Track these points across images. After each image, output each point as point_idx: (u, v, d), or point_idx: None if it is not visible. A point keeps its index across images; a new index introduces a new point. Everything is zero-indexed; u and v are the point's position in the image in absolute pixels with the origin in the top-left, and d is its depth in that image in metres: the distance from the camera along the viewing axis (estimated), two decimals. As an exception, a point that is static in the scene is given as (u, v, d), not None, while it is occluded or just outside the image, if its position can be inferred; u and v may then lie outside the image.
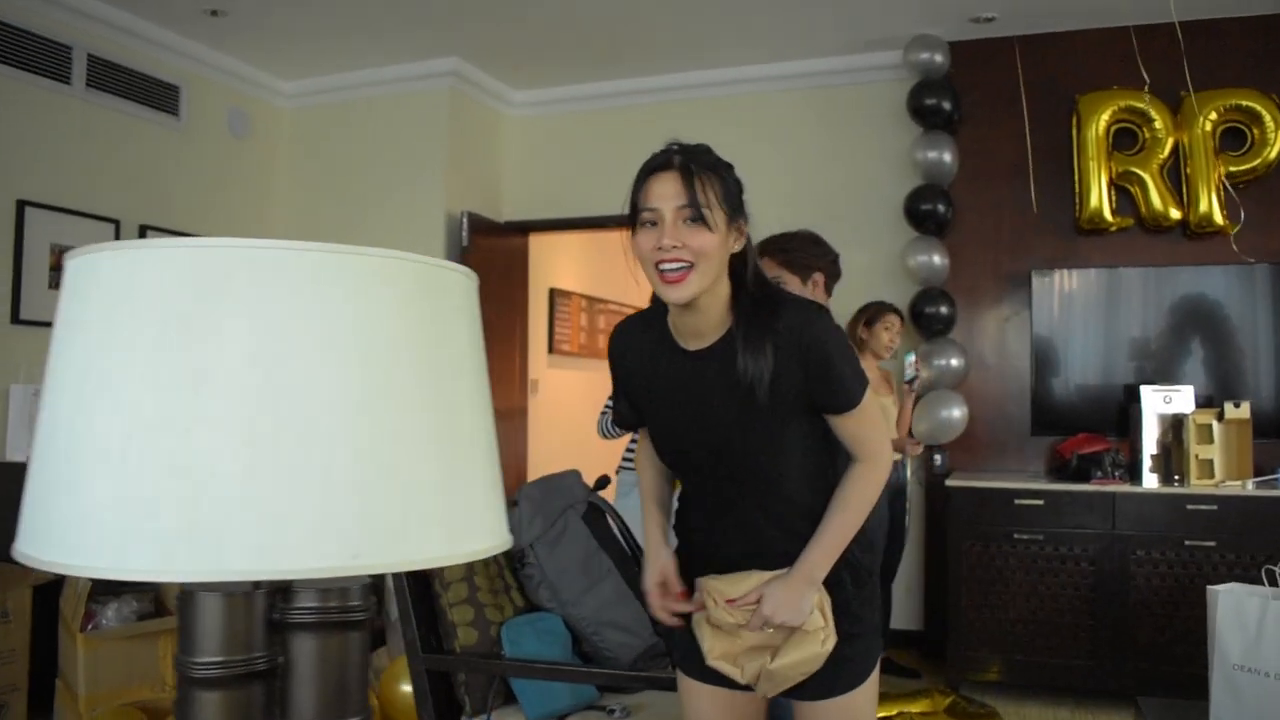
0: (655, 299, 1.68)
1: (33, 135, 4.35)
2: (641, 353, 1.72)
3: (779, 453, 1.64)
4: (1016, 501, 4.16)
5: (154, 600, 3.53)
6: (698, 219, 1.54)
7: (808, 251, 2.44)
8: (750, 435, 1.62)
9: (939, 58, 4.72)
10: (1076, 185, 4.60)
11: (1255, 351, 4.45)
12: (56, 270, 4.35)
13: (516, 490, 2.56)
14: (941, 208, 4.72)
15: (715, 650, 1.65)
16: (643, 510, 1.85)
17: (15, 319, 4.27)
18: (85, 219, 4.56)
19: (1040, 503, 4.13)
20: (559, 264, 6.66)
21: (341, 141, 5.62)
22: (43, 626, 3.49)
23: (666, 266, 1.54)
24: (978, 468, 4.72)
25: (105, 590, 3.36)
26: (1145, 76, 4.32)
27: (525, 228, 5.83)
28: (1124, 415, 4.44)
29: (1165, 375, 4.48)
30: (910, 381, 4.34)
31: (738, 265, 1.62)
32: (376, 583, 3.82)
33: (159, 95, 4.93)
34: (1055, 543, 4.10)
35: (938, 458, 4.72)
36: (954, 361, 4.62)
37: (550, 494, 2.53)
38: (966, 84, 4.79)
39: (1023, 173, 4.71)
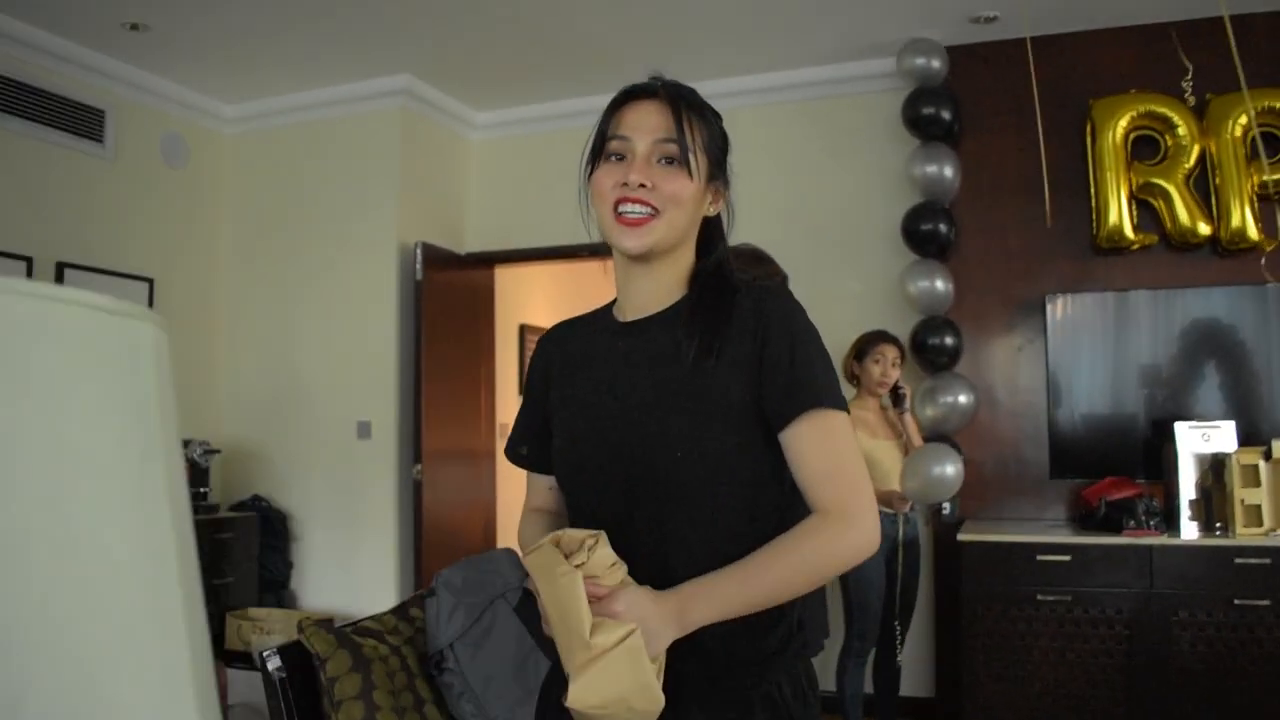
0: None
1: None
2: (570, 353, 1.40)
3: (703, 462, 1.20)
4: (1039, 557, 3.66)
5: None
6: (677, 160, 1.24)
7: (750, 269, 2.00)
8: (673, 423, 1.22)
9: (936, 63, 4.29)
10: (1093, 200, 4.15)
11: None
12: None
13: (434, 577, 2.07)
14: (943, 228, 4.26)
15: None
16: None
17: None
18: (-10, 256, 4.10)
19: (1066, 558, 3.63)
20: (530, 298, 6.19)
21: (287, 169, 5.16)
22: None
23: (627, 209, 1.23)
24: (991, 515, 4.23)
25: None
26: (1187, 64, 3.87)
27: (490, 259, 5.37)
28: (1152, 455, 3.95)
29: (1199, 411, 3.99)
30: (898, 403, 3.85)
31: (706, 238, 1.33)
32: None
33: (80, 120, 4.47)
34: (1085, 604, 3.60)
35: (946, 505, 4.22)
36: (961, 398, 4.14)
37: (476, 580, 2.02)
38: (967, 91, 4.35)
39: (1032, 187, 4.24)
